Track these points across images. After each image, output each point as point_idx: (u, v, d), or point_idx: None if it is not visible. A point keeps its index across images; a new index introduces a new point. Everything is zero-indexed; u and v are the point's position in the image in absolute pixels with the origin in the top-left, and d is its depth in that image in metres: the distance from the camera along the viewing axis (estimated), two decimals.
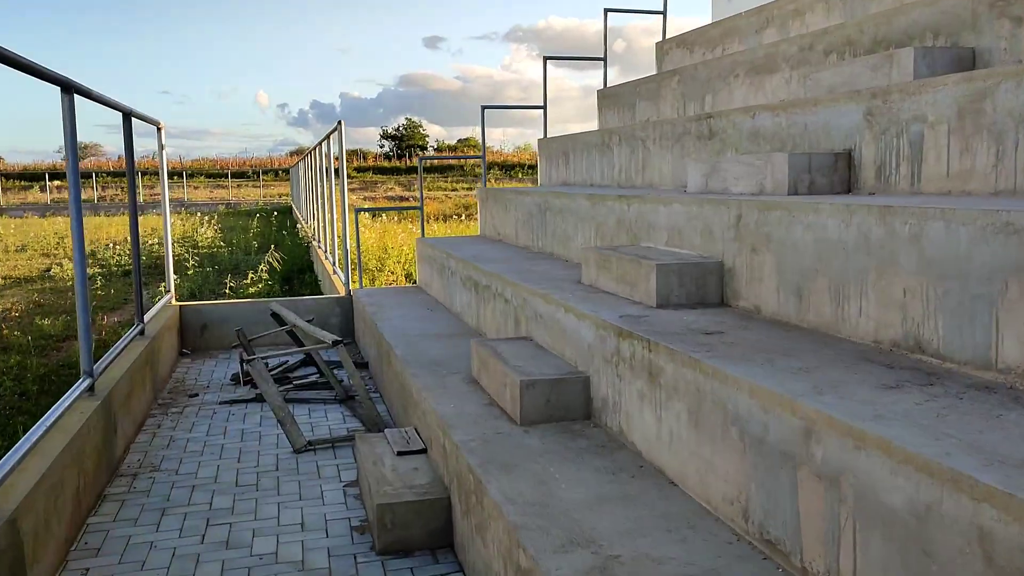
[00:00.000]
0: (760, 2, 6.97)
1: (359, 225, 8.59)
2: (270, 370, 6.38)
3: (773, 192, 3.78)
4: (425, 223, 8.98)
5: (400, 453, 4.05)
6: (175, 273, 10.80)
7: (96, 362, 4.66)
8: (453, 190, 45.44)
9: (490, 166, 53.54)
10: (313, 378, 6.53)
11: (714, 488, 2.57)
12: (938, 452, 1.72)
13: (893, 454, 1.79)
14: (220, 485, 4.41)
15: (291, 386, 6.28)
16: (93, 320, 10.47)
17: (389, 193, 46.24)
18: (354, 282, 8.36)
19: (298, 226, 23.89)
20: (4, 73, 4.25)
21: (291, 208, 34.26)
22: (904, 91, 3.34)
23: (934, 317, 2.44)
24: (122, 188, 51.74)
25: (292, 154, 74.03)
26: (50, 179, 51.50)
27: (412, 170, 63.17)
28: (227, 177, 59.39)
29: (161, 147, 7.72)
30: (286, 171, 60.10)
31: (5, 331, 9.84)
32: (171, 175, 51.09)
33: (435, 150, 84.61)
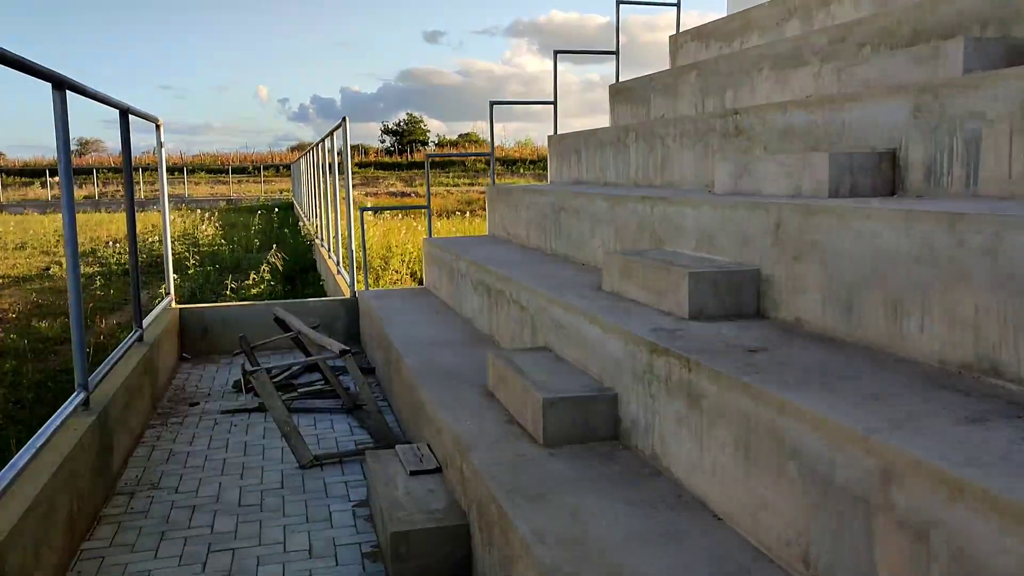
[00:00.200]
0: None
1: (362, 222, 8.34)
2: (273, 377, 6.14)
3: (812, 194, 3.53)
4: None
5: (413, 473, 3.81)
6: (175, 272, 10.56)
7: (92, 373, 4.43)
8: (455, 185, 45.17)
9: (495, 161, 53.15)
10: (318, 385, 6.29)
11: (768, 527, 2.33)
12: None
13: (1001, 510, 1.55)
14: (222, 505, 4.17)
15: (295, 394, 6.04)
16: (91, 323, 10.25)
17: (391, 189, 45.95)
18: (359, 283, 8.12)
19: (300, 223, 23.65)
20: (2, 69, 4.02)
21: (292, 204, 34.01)
22: (958, 86, 3.08)
23: (1013, 338, 2.19)
24: (123, 184, 51.45)
25: (293, 149, 73.71)
26: (51, 175, 51.25)
27: (413, 165, 62.90)
28: (228, 173, 59.12)
29: (160, 144, 7.48)
30: (287, 167, 59.80)
31: (1, 334, 9.60)
32: (171, 171, 50.84)
33: (436, 145, 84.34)
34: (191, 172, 57.42)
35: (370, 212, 20.66)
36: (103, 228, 25.54)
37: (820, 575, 2.11)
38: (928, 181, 3.25)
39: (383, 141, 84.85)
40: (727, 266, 3.46)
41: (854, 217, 2.79)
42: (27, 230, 25.94)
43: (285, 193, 46.42)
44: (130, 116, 5.76)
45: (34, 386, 7.23)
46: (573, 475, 3.00)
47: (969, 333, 2.33)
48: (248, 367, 5.08)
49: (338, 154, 9.15)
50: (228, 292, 12.69)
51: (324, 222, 13.12)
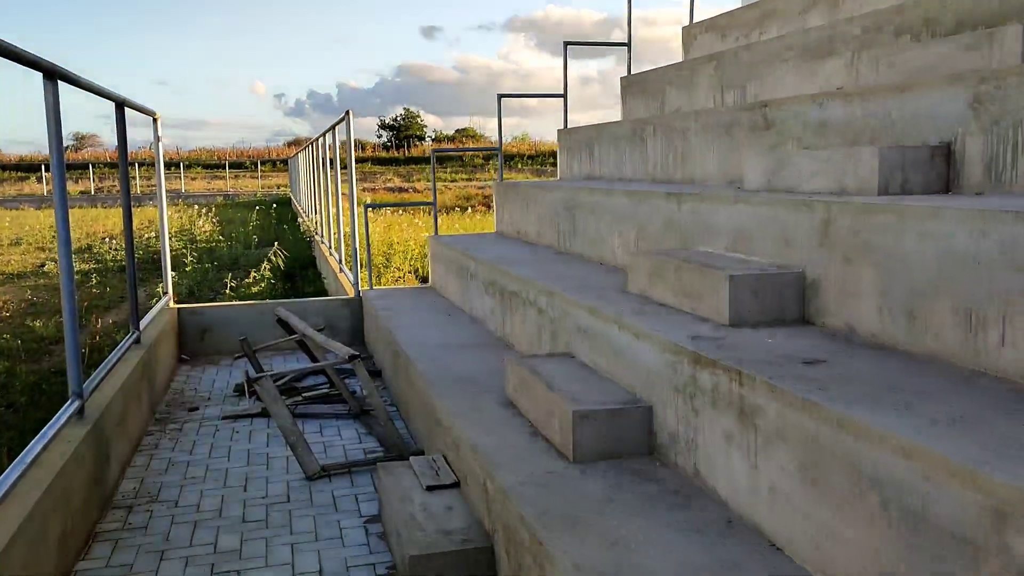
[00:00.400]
0: None
1: (366, 219, 8.10)
2: (276, 381, 5.90)
3: (858, 192, 3.30)
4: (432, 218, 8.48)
5: (430, 488, 3.58)
6: (172, 269, 10.30)
7: (87, 379, 4.19)
8: (453, 181, 44.86)
9: (491, 156, 52.91)
10: (323, 388, 6.05)
11: (839, 562, 2.10)
12: None
13: None
14: (225, 520, 3.93)
15: (300, 399, 5.80)
16: (87, 322, 9.98)
17: (388, 184, 45.62)
18: (363, 282, 7.88)
19: (299, 219, 23.37)
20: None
21: (290, 200, 33.69)
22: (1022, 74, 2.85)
23: None
24: (119, 179, 51.11)
25: (289, 144, 73.30)
26: (46, 170, 50.82)
27: (410, 161, 62.49)
28: (224, 168, 58.73)
29: (157, 139, 7.22)
30: (284, 161, 59.39)
31: None
32: (168, 166, 50.47)
33: (433, 140, 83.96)
34: (187, 167, 57.02)
35: (370, 208, 20.39)
36: (99, 223, 25.25)
37: None
38: (988, 177, 3.02)
39: (380, 136, 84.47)
40: (767, 268, 3.23)
41: (920, 216, 2.56)
42: (23, 225, 25.62)
43: (283, 188, 46.08)
44: (126, 110, 5.51)
45: (27, 389, 6.98)
46: (608, 495, 2.77)
47: None
48: (251, 373, 4.83)
49: (341, 146, 8.89)
50: (227, 291, 12.43)
51: (325, 218, 12.85)
